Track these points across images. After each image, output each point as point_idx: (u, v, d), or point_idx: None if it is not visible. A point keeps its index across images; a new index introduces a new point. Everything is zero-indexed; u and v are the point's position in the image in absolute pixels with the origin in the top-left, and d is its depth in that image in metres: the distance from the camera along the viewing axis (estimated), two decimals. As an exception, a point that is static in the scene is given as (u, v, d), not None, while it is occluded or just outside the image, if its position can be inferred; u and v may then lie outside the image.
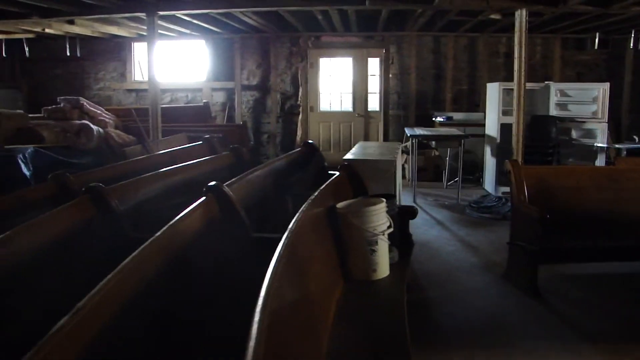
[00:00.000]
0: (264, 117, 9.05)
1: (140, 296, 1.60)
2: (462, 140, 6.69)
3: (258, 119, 9.06)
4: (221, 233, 2.39)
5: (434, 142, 7.49)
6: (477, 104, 8.73)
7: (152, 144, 5.38)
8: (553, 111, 7.01)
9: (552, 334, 3.09)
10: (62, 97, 6.33)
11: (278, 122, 9.02)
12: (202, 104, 8.51)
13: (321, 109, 9.08)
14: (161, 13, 5.96)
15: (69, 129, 5.54)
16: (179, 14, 6.35)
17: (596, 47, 7.93)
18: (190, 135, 6.10)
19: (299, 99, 8.90)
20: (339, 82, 9.09)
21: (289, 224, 2.13)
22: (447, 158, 7.61)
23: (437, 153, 8.12)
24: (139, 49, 9.07)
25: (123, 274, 1.52)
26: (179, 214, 2.16)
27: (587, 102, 7.00)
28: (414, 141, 6.83)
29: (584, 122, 7.02)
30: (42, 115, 6.09)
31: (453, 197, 6.73)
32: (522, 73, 5.48)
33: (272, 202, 3.43)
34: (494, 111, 6.98)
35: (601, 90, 6.84)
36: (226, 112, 9.00)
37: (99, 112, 6.54)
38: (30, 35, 8.05)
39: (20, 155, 4.85)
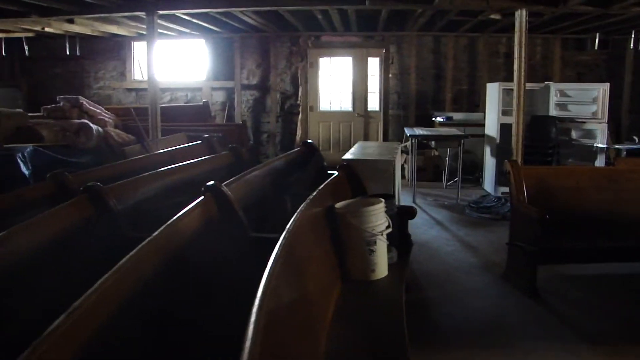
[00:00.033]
0: (264, 117, 9.05)
1: (137, 296, 1.60)
2: (462, 141, 6.69)
3: (258, 118, 9.06)
4: (219, 233, 2.39)
5: (433, 142, 7.48)
6: (477, 104, 8.73)
7: (152, 143, 5.37)
8: (553, 111, 7.00)
9: (551, 334, 3.08)
10: (61, 96, 6.32)
11: (278, 121, 9.02)
12: (201, 103, 8.50)
13: (321, 109, 9.07)
14: (161, 12, 5.95)
15: (68, 128, 5.53)
16: (178, 13, 6.35)
17: (596, 47, 7.93)
18: (190, 134, 6.10)
19: (299, 98, 8.90)
20: (339, 81, 9.09)
21: (287, 224, 2.13)
22: (447, 158, 7.60)
23: (436, 153, 8.11)
24: (138, 48, 9.06)
25: (120, 274, 1.51)
26: (177, 214, 2.16)
27: (587, 103, 6.99)
28: (413, 141, 6.82)
29: (583, 122, 7.01)
30: (41, 114, 6.08)
31: (452, 197, 6.72)
32: (522, 73, 5.48)
33: (271, 201, 3.42)
34: (494, 111, 6.98)
35: (601, 90, 6.84)
36: (226, 111, 9.00)
37: (98, 111, 6.53)
38: (30, 34, 8.04)
39: (20, 154, 4.84)
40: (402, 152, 7.27)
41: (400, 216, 3.35)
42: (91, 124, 5.68)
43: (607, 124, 6.95)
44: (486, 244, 4.88)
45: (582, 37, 8.33)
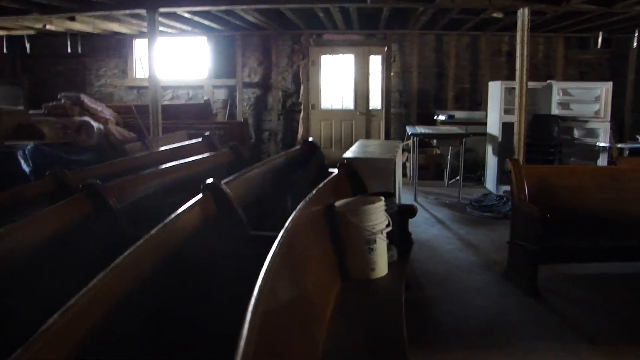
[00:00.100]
0: (265, 115, 9.04)
1: (135, 293, 1.59)
2: (464, 139, 6.67)
3: (259, 116, 9.05)
4: (218, 231, 2.38)
5: (435, 141, 7.47)
6: (479, 102, 8.70)
7: (152, 141, 5.37)
8: (555, 110, 6.97)
9: (551, 334, 3.07)
10: (62, 94, 6.32)
11: (279, 119, 9.01)
12: (203, 101, 8.50)
13: (323, 107, 9.06)
14: (162, 10, 5.95)
15: (69, 126, 5.53)
16: (179, 11, 6.34)
17: (599, 46, 7.90)
18: (191, 132, 6.10)
19: (301, 96, 8.89)
20: (341, 80, 9.07)
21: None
22: (449, 156, 7.59)
23: (438, 151, 8.10)
24: (140, 46, 9.06)
25: (116, 272, 1.51)
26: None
27: (589, 102, 6.96)
28: (415, 139, 6.81)
29: (586, 121, 6.98)
30: (42, 111, 6.09)
31: (454, 195, 6.71)
32: (524, 72, 5.46)
33: (271, 200, 3.42)
34: (496, 110, 6.96)
35: (604, 89, 6.81)
36: (227, 109, 8.99)
37: (99, 108, 6.53)
38: (32, 32, 8.04)
39: (20, 152, 4.86)
40: (403, 150, 7.26)
41: (401, 214, 3.34)
42: (92, 122, 5.69)
43: (609, 123, 6.92)
44: (487, 242, 4.87)
45: (584, 35, 8.30)
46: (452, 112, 8.38)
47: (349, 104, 9.05)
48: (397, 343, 2.03)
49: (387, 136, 8.71)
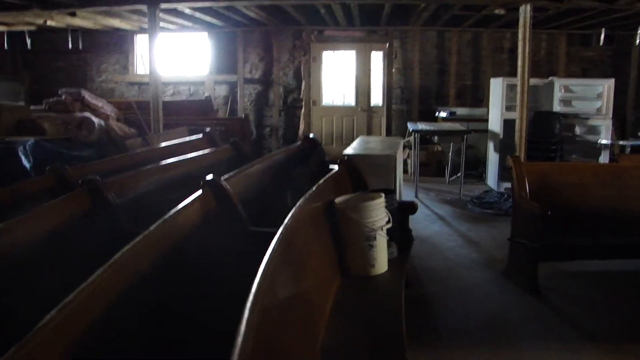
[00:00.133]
0: (267, 111, 9.03)
1: (134, 289, 1.59)
2: (465, 136, 6.65)
3: (260, 112, 9.03)
4: (218, 227, 2.37)
5: (436, 137, 7.46)
6: (480, 99, 8.68)
7: (153, 137, 5.36)
8: (557, 107, 6.95)
9: (552, 332, 3.06)
10: (63, 90, 6.31)
11: (280, 115, 8.99)
12: (204, 97, 8.48)
13: (324, 103, 9.04)
14: (163, 6, 5.93)
15: (70, 122, 5.53)
16: (180, 7, 6.32)
17: (601, 43, 7.85)
18: (193, 128, 6.09)
19: (302, 92, 8.87)
20: (342, 76, 9.05)
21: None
22: (450, 153, 7.57)
23: (439, 148, 8.08)
24: (141, 42, 9.04)
25: (116, 267, 1.50)
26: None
27: (591, 99, 6.94)
28: (416, 136, 6.80)
29: (588, 118, 6.96)
30: (43, 107, 6.08)
31: (455, 192, 6.70)
32: (526, 69, 5.44)
33: (272, 196, 3.41)
34: (498, 107, 6.94)
35: (606, 86, 6.79)
36: (228, 105, 8.98)
37: (100, 104, 6.53)
38: (32, 28, 8.02)
39: (21, 147, 4.85)
40: (404, 147, 7.25)
41: (401, 211, 3.33)
42: (93, 118, 5.69)
43: (611, 120, 6.90)
44: (488, 239, 4.86)
45: (587, 32, 8.26)
46: (453, 109, 8.36)
47: (350, 101, 9.03)
48: (396, 340, 2.03)
49: (389, 133, 8.69)
